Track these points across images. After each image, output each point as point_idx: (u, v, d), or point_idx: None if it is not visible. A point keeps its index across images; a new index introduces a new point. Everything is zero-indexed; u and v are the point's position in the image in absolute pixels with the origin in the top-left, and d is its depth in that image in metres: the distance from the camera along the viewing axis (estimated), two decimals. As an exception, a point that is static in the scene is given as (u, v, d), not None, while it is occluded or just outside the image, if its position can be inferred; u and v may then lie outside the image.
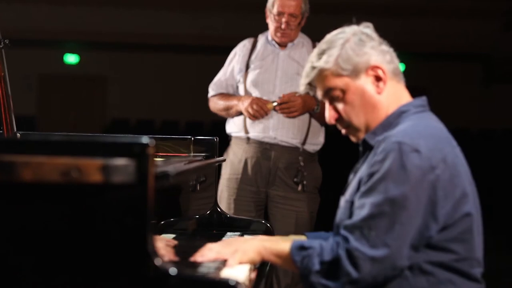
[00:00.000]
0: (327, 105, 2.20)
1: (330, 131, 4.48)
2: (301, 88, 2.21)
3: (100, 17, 9.81)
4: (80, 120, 10.73)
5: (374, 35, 2.16)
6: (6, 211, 1.87)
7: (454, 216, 2.02)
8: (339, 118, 2.18)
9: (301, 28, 4.09)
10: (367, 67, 2.12)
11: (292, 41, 4.06)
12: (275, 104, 3.94)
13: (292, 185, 3.97)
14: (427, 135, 2.04)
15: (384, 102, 2.14)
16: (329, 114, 2.19)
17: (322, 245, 2.05)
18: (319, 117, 4.00)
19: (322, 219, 3.96)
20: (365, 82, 2.12)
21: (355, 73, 2.11)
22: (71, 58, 11.00)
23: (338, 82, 2.13)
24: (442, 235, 2.02)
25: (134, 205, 1.84)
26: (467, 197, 2.05)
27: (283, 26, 3.98)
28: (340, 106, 2.16)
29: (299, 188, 3.97)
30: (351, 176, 2.28)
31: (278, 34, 4.02)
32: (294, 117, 3.96)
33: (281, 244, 2.15)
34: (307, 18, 4.08)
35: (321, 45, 2.17)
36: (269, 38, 4.09)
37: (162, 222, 2.04)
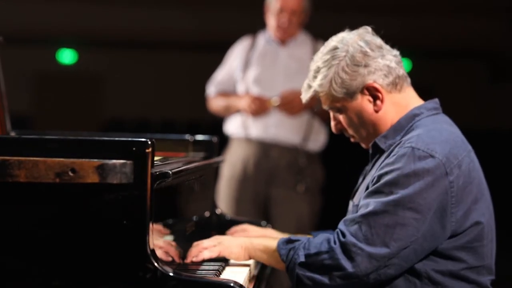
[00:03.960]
0: (331, 114, 2.21)
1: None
2: (303, 102, 2.21)
3: (98, 14, 9.79)
4: (76, 119, 10.70)
5: (373, 42, 2.11)
6: (1, 211, 1.85)
7: (464, 224, 2.00)
8: (344, 128, 2.19)
9: (303, 25, 4.07)
10: (362, 88, 2.10)
11: (292, 37, 4.03)
12: (275, 101, 3.92)
13: (293, 185, 3.94)
14: (442, 140, 2.01)
15: (384, 116, 2.12)
16: (333, 125, 2.21)
17: (310, 239, 2.03)
18: (321, 114, 3.98)
19: (325, 220, 3.92)
20: (362, 102, 2.11)
21: (350, 95, 2.11)
22: (67, 56, 10.98)
23: (335, 103, 2.14)
24: (451, 243, 2.00)
25: (131, 206, 1.83)
26: (478, 203, 2.03)
27: (284, 23, 3.95)
28: (342, 119, 2.17)
29: (300, 188, 3.94)
30: (360, 179, 2.26)
31: (279, 31, 3.99)
32: (295, 115, 3.93)
33: (270, 240, 2.11)
34: (308, 15, 4.05)
35: (318, 60, 2.15)
36: (269, 35, 4.06)
37: (160, 224, 2.01)
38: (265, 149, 3.96)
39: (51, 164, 1.81)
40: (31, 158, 1.82)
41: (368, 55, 2.09)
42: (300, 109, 3.92)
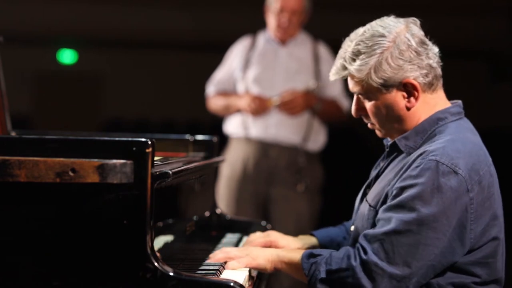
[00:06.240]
0: (355, 97, 2.13)
1: (333, 130, 4.45)
2: (331, 78, 2.14)
3: (98, 14, 9.79)
4: (76, 119, 10.70)
5: (419, 36, 2.04)
6: (1, 211, 1.85)
7: (481, 240, 1.98)
8: (365, 115, 2.12)
9: (303, 25, 4.07)
10: (400, 82, 2.03)
11: (292, 37, 4.03)
12: (275, 101, 3.92)
13: (292, 185, 3.94)
14: (466, 154, 1.97)
15: (413, 114, 2.07)
16: (354, 109, 2.14)
17: (332, 253, 2.01)
18: (321, 114, 3.98)
19: (325, 220, 3.93)
20: (396, 96, 2.05)
21: (386, 87, 2.03)
22: (67, 56, 10.98)
23: (367, 91, 2.06)
24: (466, 258, 1.98)
25: (132, 206, 1.83)
26: (497, 219, 2.01)
27: (284, 23, 3.94)
28: (367, 106, 2.10)
29: (300, 188, 3.94)
30: (372, 173, 2.23)
31: (279, 31, 3.99)
32: (295, 115, 3.93)
33: (295, 253, 2.10)
34: (308, 15, 4.05)
35: (359, 43, 2.04)
36: (269, 35, 4.06)
37: (160, 223, 2.01)
38: (265, 149, 3.96)
39: (51, 164, 1.81)
40: (32, 158, 1.82)
41: (414, 51, 2.02)
42: (300, 109, 3.92)
